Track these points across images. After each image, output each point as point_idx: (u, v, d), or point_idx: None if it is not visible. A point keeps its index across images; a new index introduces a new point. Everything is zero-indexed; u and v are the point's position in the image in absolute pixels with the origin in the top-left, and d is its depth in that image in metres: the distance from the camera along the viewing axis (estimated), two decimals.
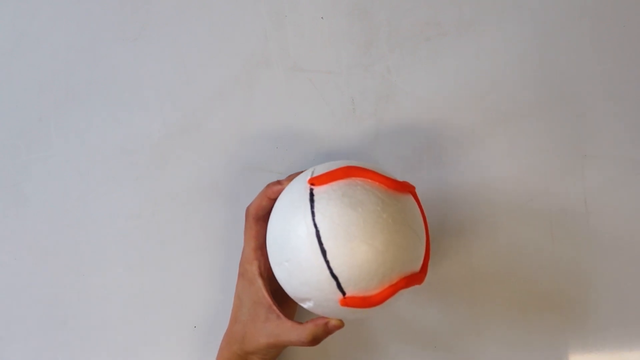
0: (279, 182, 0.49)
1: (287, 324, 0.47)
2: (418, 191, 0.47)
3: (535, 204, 0.57)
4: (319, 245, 0.42)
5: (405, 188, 0.45)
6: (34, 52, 0.58)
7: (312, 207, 0.43)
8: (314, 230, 0.42)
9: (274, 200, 0.49)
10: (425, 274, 0.45)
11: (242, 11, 0.58)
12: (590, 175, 0.57)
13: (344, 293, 0.42)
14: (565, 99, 0.58)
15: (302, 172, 0.48)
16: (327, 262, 0.42)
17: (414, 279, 0.44)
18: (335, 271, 0.42)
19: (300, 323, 0.47)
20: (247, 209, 0.51)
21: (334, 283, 0.42)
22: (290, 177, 0.49)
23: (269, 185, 0.50)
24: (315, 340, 0.46)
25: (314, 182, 0.44)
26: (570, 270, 0.57)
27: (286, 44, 0.58)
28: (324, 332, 0.46)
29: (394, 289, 0.43)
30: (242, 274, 0.51)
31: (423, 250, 0.45)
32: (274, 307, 0.49)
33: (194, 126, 0.57)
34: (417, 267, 0.45)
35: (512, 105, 0.58)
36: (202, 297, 0.56)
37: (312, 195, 0.43)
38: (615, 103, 0.58)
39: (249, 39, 0.58)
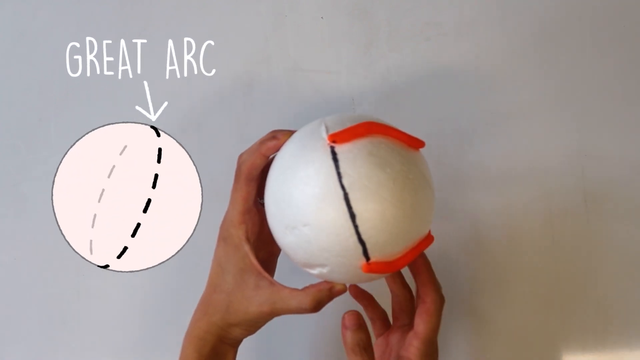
0: (274, 137, 0.44)
1: (284, 290, 0.44)
2: None
3: (535, 204, 0.57)
4: (348, 208, 0.39)
5: (420, 145, 0.43)
6: (34, 52, 0.58)
7: (337, 167, 0.39)
8: (342, 193, 0.39)
9: (268, 158, 0.45)
10: (430, 232, 0.44)
11: (242, 11, 0.58)
12: (590, 175, 0.57)
13: (368, 258, 0.40)
14: (565, 99, 0.58)
15: (289, 132, 0.44)
16: (355, 226, 0.39)
17: (428, 240, 0.43)
18: (363, 236, 0.39)
19: (299, 289, 0.44)
20: (239, 168, 0.46)
21: (360, 249, 0.40)
22: (286, 132, 0.44)
23: (263, 141, 0.44)
24: (317, 306, 0.43)
25: (335, 139, 0.40)
26: (570, 270, 0.57)
27: (286, 44, 0.58)
28: (327, 297, 0.43)
29: (415, 252, 0.42)
30: (224, 239, 0.47)
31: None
32: (265, 274, 0.45)
33: (194, 126, 0.57)
34: (429, 227, 0.43)
35: (512, 105, 0.58)
36: None
37: (334, 153, 0.40)
38: (615, 103, 0.58)
39: (249, 39, 0.58)
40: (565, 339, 0.57)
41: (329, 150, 0.40)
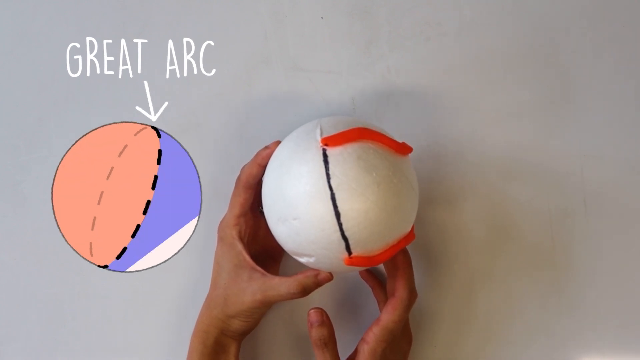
0: (267, 147, 0.49)
1: (274, 279, 0.48)
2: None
3: (535, 204, 0.57)
4: (334, 207, 0.42)
5: (407, 150, 0.46)
6: (34, 52, 0.58)
7: (326, 168, 0.43)
8: (329, 192, 0.42)
9: (264, 167, 0.49)
10: (413, 230, 0.47)
11: (242, 11, 0.58)
12: (590, 175, 0.57)
13: (350, 253, 0.43)
14: (565, 99, 0.58)
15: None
16: (340, 224, 0.42)
17: (409, 238, 0.46)
18: (346, 233, 0.43)
19: (287, 277, 0.48)
20: (238, 177, 0.51)
21: (343, 244, 0.43)
22: (277, 142, 0.49)
23: (258, 152, 0.50)
24: (304, 291, 0.47)
25: (327, 142, 0.43)
26: (570, 270, 0.57)
27: (286, 44, 0.58)
28: (313, 283, 0.47)
29: (395, 249, 0.45)
30: (221, 239, 0.52)
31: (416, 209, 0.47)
32: (258, 268, 0.49)
33: (194, 126, 0.57)
34: (410, 226, 0.47)
35: (512, 105, 0.58)
36: (203, 297, 0.56)
37: (325, 156, 0.43)
38: (615, 103, 0.58)
39: (249, 39, 0.58)
40: (565, 339, 0.57)
41: (321, 152, 0.43)
